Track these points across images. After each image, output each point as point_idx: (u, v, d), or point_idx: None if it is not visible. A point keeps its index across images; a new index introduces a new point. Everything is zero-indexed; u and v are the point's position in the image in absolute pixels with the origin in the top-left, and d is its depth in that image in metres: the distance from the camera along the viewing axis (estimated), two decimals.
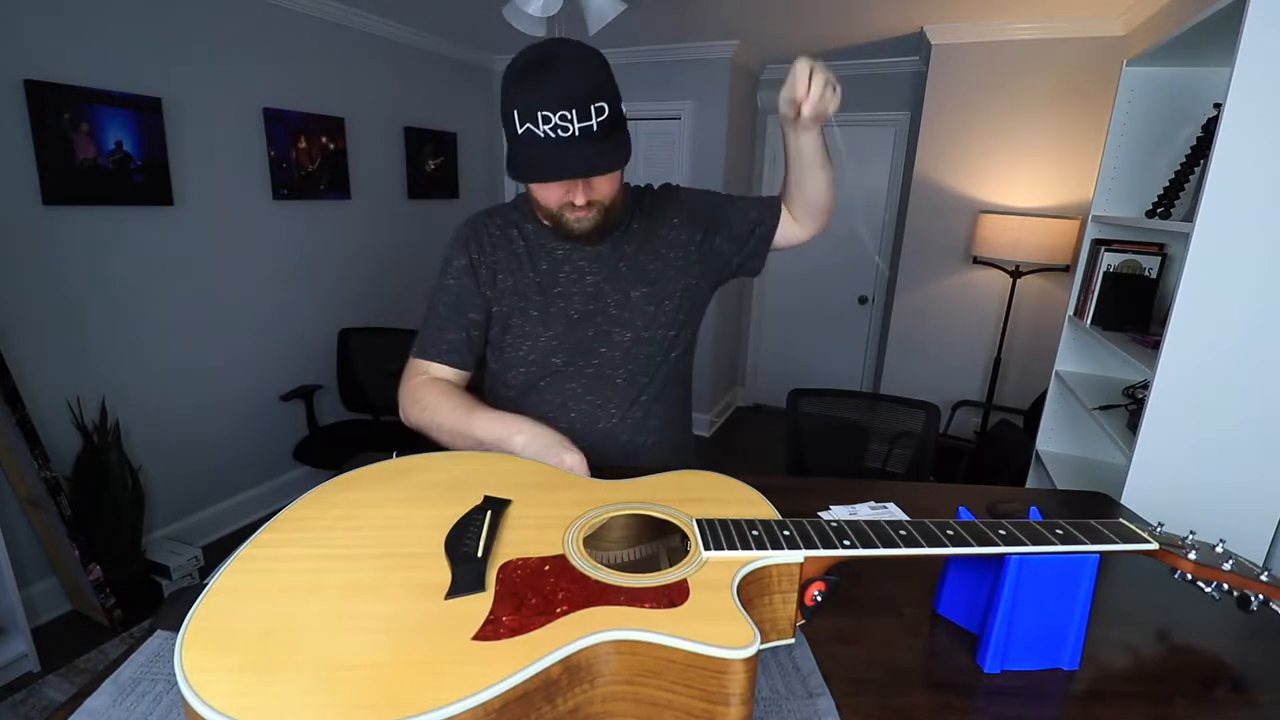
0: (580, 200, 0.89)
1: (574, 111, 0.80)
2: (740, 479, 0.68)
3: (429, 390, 0.98)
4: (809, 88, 0.82)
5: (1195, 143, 1.60)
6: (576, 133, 0.80)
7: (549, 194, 0.91)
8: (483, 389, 1.13)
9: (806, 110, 0.83)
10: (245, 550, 0.54)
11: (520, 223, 1.04)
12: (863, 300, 3.90)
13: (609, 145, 0.84)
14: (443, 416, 0.92)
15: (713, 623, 0.46)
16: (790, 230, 1.08)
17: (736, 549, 0.54)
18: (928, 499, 0.92)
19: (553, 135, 0.80)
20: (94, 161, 2.11)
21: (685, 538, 0.58)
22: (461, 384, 1.04)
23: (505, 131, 0.85)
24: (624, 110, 0.88)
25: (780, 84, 0.86)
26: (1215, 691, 0.56)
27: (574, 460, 0.78)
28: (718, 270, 1.10)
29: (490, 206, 1.09)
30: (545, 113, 0.79)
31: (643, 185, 1.11)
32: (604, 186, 0.91)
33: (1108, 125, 1.83)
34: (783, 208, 1.08)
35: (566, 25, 2.73)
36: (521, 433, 0.84)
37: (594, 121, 0.81)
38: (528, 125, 0.80)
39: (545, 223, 0.99)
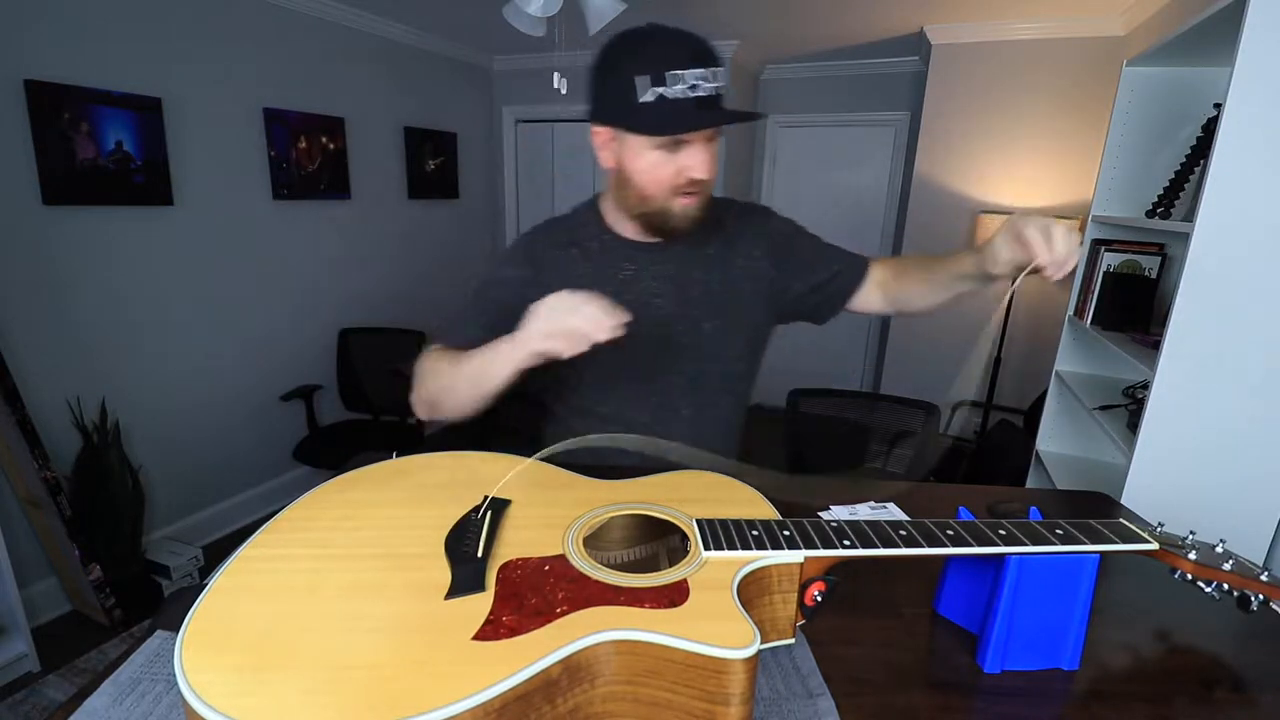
0: (701, 174, 0.85)
1: (711, 72, 0.80)
2: (740, 479, 0.68)
3: (431, 356, 0.91)
4: (1057, 249, 0.73)
5: (1195, 143, 1.60)
6: (712, 93, 0.81)
7: (660, 175, 0.86)
8: (539, 418, 1.08)
9: (1053, 272, 0.74)
10: (245, 550, 0.54)
11: (583, 241, 0.98)
12: None
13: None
14: (444, 366, 0.86)
15: (713, 623, 0.46)
16: (870, 298, 1.02)
17: (736, 549, 0.54)
18: (928, 499, 0.92)
19: (687, 95, 0.79)
20: (94, 161, 2.11)
21: (685, 538, 0.58)
22: None
23: (615, 104, 0.83)
24: None
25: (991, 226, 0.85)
26: (1215, 691, 0.56)
27: (592, 310, 0.71)
28: (787, 310, 1.06)
29: (547, 221, 1.04)
30: (681, 71, 0.78)
31: (727, 197, 1.05)
32: (714, 167, 0.88)
33: (1108, 125, 1.83)
34: (871, 271, 1.01)
35: (566, 25, 2.73)
36: (519, 342, 0.76)
37: (722, 84, 0.82)
38: (659, 90, 0.79)
39: (635, 218, 0.93)
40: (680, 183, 0.86)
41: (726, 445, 1.06)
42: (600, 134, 0.89)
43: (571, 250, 0.97)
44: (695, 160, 0.85)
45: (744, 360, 1.02)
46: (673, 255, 0.97)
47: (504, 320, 0.94)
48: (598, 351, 0.95)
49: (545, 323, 0.73)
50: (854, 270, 1.02)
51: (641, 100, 0.80)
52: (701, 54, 0.80)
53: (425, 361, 0.91)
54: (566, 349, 0.72)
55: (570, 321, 0.71)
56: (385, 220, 3.32)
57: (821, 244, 1.05)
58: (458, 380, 0.84)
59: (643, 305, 0.95)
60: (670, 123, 0.81)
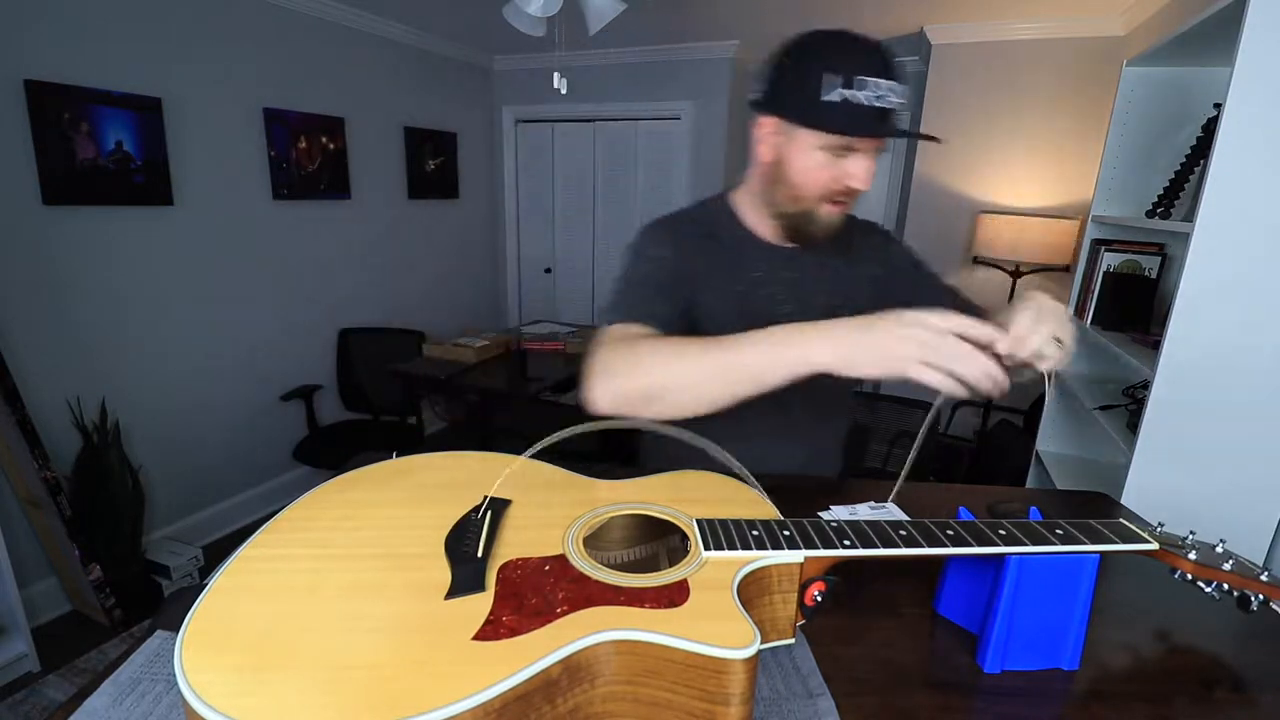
0: (859, 185, 0.84)
1: (899, 87, 0.80)
2: (740, 479, 0.68)
3: (654, 342, 0.76)
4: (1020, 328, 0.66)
5: (1195, 143, 1.60)
6: (890, 106, 0.80)
7: (820, 177, 0.85)
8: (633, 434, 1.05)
9: (1006, 349, 0.65)
10: (245, 550, 0.54)
11: (719, 234, 0.96)
12: None
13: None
14: (690, 356, 0.71)
15: (713, 623, 0.46)
16: None
17: (736, 549, 0.54)
18: (928, 499, 0.92)
19: (868, 105, 0.79)
20: (94, 161, 2.11)
21: (685, 538, 0.58)
22: None
23: (795, 98, 0.82)
24: None
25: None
26: (1215, 691, 0.56)
27: (986, 364, 0.60)
28: None
29: (678, 212, 1.00)
30: (870, 79, 0.78)
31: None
32: (871, 181, 0.86)
33: (1108, 125, 1.83)
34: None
35: (566, 25, 2.73)
36: (816, 344, 0.65)
37: (904, 102, 0.81)
38: (846, 92, 0.78)
39: (777, 218, 0.91)
40: (837, 189, 0.85)
41: (834, 460, 1.04)
42: (766, 125, 0.87)
43: (709, 242, 0.95)
44: (858, 169, 0.84)
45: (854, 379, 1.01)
46: (800, 263, 0.96)
47: (673, 290, 0.90)
48: None
49: (923, 352, 0.61)
50: (965, 308, 0.96)
51: (825, 99, 0.79)
52: (891, 67, 0.80)
53: (635, 349, 0.76)
54: (940, 384, 0.61)
55: (960, 367, 0.61)
56: (385, 220, 3.33)
57: (937, 281, 1.02)
58: (684, 378, 0.70)
59: (768, 310, 0.94)
60: (852, 125, 0.80)
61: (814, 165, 0.84)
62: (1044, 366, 0.68)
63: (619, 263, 0.95)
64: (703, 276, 0.93)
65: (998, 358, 0.63)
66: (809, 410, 0.98)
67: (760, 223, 0.96)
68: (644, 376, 0.72)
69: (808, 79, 0.80)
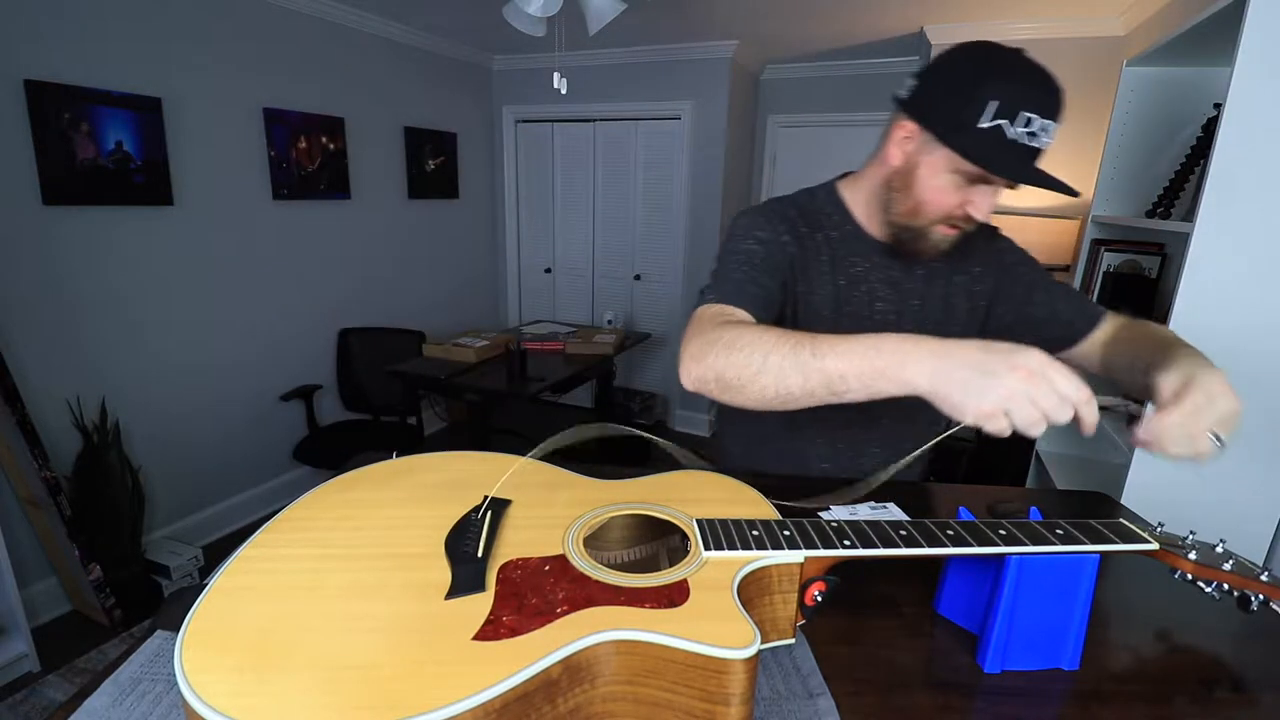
0: (981, 216, 0.80)
1: (1055, 127, 0.74)
2: (740, 479, 0.68)
3: (741, 327, 0.72)
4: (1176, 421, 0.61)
5: (1195, 143, 1.60)
6: (1041, 147, 0.75)
7: (945, 199, 0.80)
8: (723, 413, 1.02)
9: (1146, 437, 0.63)
10: (245, 550, 0.54)
11: (825, 227, 0.92)
12: None
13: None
14: (769, 347, 0.67)
15: (713, 623, 0.46)
16: (1090, 356, 0.92)
17: (737, 549, 0.54)
18: (928, 499, 0.92)
19: (1022, 142, 0.73)
20: (94, 161, 2.11)
21: (685, 538, 0.58)
22: None
23: (947, 113, 0.76)
24: None
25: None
26: (1215, 691, 0.56)
27: (1038, 362, 0.54)
28: (992, 337, 0.98)
29: (778, 198, 0.96)
30: (1033, 115, 0.72)
31: None
32: (991, 214, 0.81)
33: (1107, 125, 1.83)
34: (1100, 328, 0.91)
35: (566, 25, 2.73)
36: (916, 362, 0.59)
37: (1052, 140, 0.76)
38: (1000, 122, 0.72)
39: (889, 224, 0.88)
40: (958, 214, 0.81)
41: (918, 463, 1.00)
42: (906, 129, 0.82)
43: (810, 231, 0.92)
44: (984, 201, 0.80)
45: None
46: (905, 263, 0.92)
47: (776, 271, 0.87)
48: None
49: (1030, 417, 0.54)
50: (1086, 320, 0.92)
51: (981, 125, 0.73)
52: (1058, 107, 0.74)
53: (720, 329, 0.73)
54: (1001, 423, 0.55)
55: (1054, 417, 0.54)
56: (385, 220, 3.33)
57: (1050, 281, 0.96)
58: (764, 369, 0.67)
59: (866, 305, 0.92)
60: (999, 161, 0.74)
61: (941, 185, 0.80)
62: (1180, 454, 0.60)
63: (719, 241, 0.92)
64: (800, 266, 0.90)
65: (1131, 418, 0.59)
66: (893, 413, 0.91)
67: (869, 218, 0.92)
68: (725, 365, 0.69)
69: (966, 95, 0.74)
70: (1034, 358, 0.54)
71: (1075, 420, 0.55)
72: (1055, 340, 0.93)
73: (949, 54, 0.79)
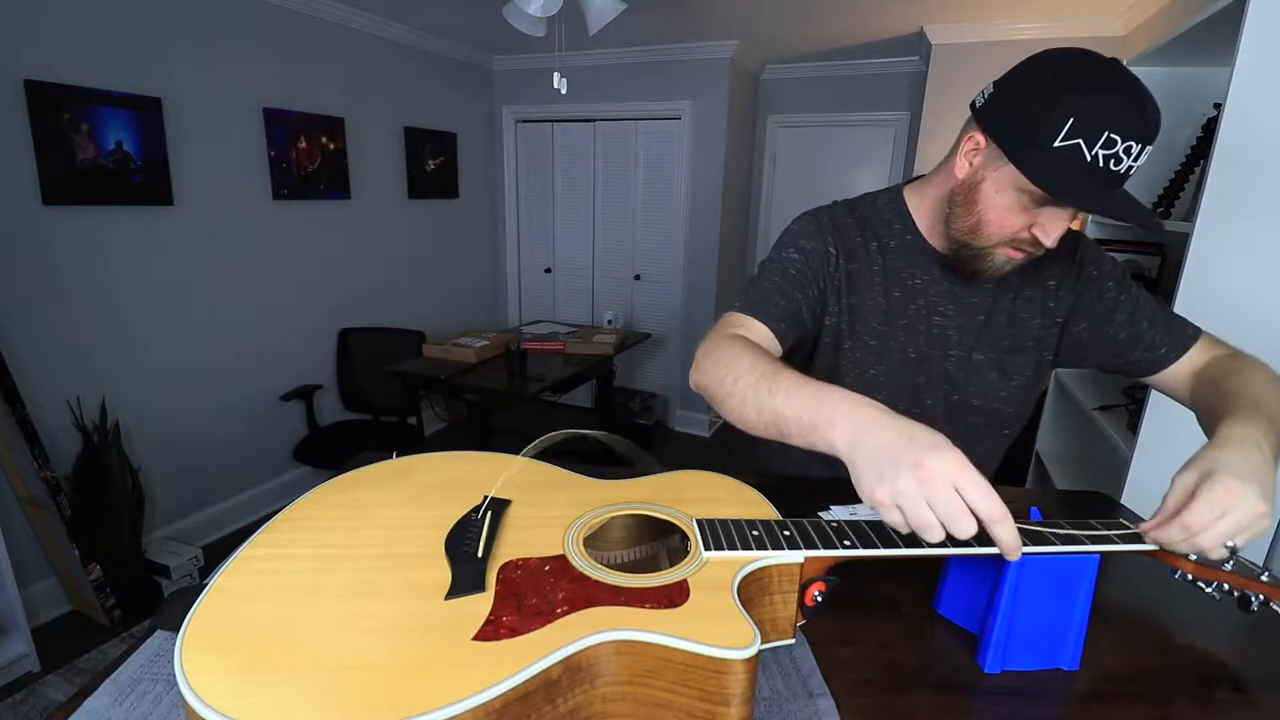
0: (1049, 242, 0.73)
1: (1143, 153, 0.66)
2: (740, 479, 0.68)
3: (734, 344, 0.73)
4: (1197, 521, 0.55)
5: (1195, 143, 1.60)
6: (1125, 173, 0.67)
7: (1009, 220, 0.74)
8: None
9: (1159, 534, 0.58)
10: (245, 550, 0.54)
11: (883, 236, 0.88)
12: None
13: (1134, 195, 0.70)
14: (742, 371, 0.68)
15: (713, 623, 0.46)
16: (1176, 386, 0.84)
17: (737, 549, 0.54)
18: None
19: (1101, 166, 0.66)
20: (94, 161, 2.11)
21: (685, 538, 0.58)
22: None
23: (1021, 128, 0.69)
24: None
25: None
26: (1215, 691, 0.56)
27: (949, 466, 0.49)
28: (1072, 359, 0.90)
29: (844, 201, 0.92)
30: (1118, 137, 0.64)
31: None
32: (1058, 240, 0.74)
33: None
34: (1190, 355, 0.83)
35: (566, 25, 2.73)
36: (841, 427, 0.56)
37: (1139, 165, 0.68)
38: (1077, 141, 0.65)
39: (950, 240, 0.82)
40: (1023, 237, 0.75)
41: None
42: (976, 140, 0.75)
43: (871, 244, 0.87)
44: (1053, 225, 0.72)
45: (1013, 403, 0.89)
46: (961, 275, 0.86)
47: (810, 284, 0.84)
48: (866, 362, 0.85)
49: (851, 456, 0.54)
50: (1177, 345, 0.84)
51: (1056, 144, 0.66)
52: (1151, 132, 0.66)
53: (721, 342, 0.74)
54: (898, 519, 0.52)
55: (895, 486, 0.51)
56: (385, 220, 3.33)
57: (1136, 296, 0.86)
58: (732, 395, 0.68)
59: (924, 319, 0.87)
60: (1063, 184, 0.68)
61: (1006, 204, 0.73)
62: (1189, 552, 0.57)
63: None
64: (847, 276, 0.86)
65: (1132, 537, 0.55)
66: (945, 423, 0.86)
67: (931, 229, 0.86)
68: (709, 379, 0.72)
69: (1040, 109, 0.67)
70: (948, 460, 0.49)
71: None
72: (1138, 367, 0.86)
73: (1029, 61, 0.72)
